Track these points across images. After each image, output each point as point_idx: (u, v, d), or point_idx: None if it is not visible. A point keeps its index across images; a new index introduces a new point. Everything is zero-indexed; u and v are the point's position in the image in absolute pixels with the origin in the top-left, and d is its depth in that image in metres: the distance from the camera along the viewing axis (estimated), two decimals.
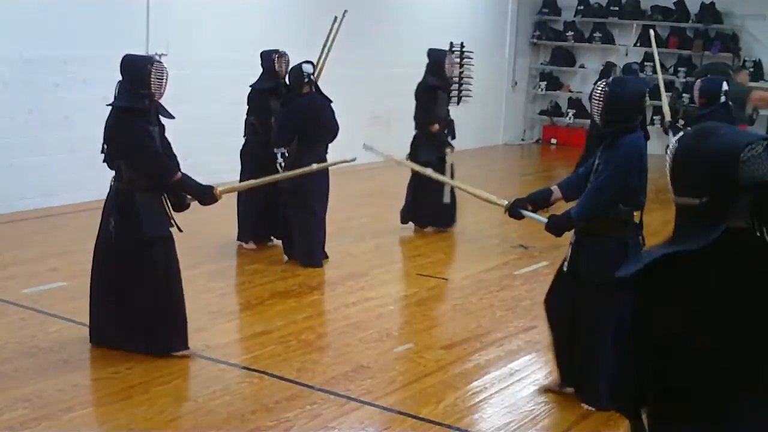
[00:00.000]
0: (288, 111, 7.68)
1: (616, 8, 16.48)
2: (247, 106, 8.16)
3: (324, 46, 8.39)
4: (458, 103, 14.96)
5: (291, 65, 7.84)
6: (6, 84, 8.75)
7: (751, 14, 15.31)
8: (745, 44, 15.46)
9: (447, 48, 14.83)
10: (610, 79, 4.98)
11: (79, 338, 5.62)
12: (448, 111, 9.20)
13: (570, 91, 17.05)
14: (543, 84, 17.14)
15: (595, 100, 4.81)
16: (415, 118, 8.98)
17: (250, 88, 8.13)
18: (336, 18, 8.43)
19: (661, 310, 2.36)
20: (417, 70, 13.21)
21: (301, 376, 5.25)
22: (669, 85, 15.95)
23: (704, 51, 15.49)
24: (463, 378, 5.38)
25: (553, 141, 17.23)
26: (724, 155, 2.34)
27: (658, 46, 16.02)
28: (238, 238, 8.14)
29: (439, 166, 8.60)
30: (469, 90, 15.24)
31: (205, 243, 8.02)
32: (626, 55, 16.40)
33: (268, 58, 8.10)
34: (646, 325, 2.37)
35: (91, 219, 9.12)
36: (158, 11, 10.00)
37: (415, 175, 8.66)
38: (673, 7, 15.96)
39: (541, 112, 17.46)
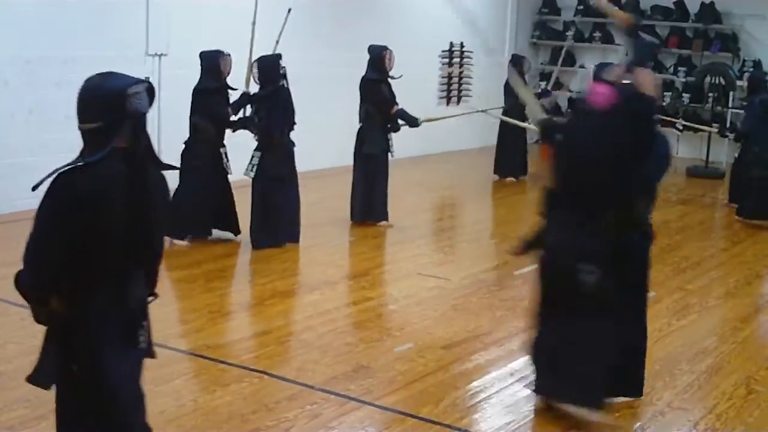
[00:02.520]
0: (279, 102, 8.00)
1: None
2: (192, 107, 8.11)
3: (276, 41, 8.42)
4: (458, 103, 14.97)
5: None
6: (6, 84, 8.75)
7: (751, 14, 15.31)
8: (744, 44, 15.46)
9: (447, 48, 14.89)
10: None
11: None
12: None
13: (570, 91, 17.04)
14: (543, 84, 17.12)
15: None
16: (360, 112, 9.16)
17: (196, 90, 8.09)
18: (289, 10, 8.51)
19: (77, 206, 3.07)
20: (417, 69, 13.19)
21: (301, 375, 5.25)
22: (669, 85, 16.00)
23: (704, 51, 15.49)
24: (463, 378, 5.38)
25: None
26: (115, 91, 3.10)
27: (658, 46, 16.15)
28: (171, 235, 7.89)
29: (383, 158, 9.04)
30: (469, 90, 15.24)
31: (204, 243, 8.02)
32: (626, 54, 16.36)
33: (213, 58, 8.10)
34: (66, 223, 3.10)
35: None
36: (158, 11, 10.00)
37: (363, 170, 9.06)
38: (673, 7, 15.96)
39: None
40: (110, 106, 3.10)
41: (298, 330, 6.15)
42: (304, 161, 8.41)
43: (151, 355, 3.44)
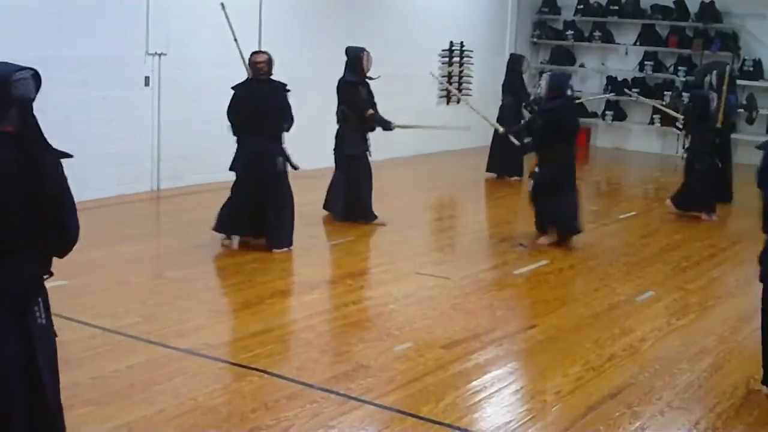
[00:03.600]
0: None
1: (616, 7, 16.49)
2: (279, 107, 7.89)
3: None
4: (458, 102, 14.98)
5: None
6: None
7: (751, 13, 15.32)
8: (744, 43, 15.47)
9: (447, 47, 14.89)
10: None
11: (79, 337, 5.62)
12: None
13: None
14: (543, 83, 17.11)
15: None
16: (337, 113, 9.15)
17: (281, 87, 7.91)
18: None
19: None
20: (418, 70, 13.18)
21: (301, 374, 5.25)
22: (669, 85, 16.01)
23: (704, 50, 15.50)
24: (462, 377, 5.39)
25: None
26: (0, 77, 3.27)
27: (657, 45, 16.17)
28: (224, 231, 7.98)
29: (365, 158, 9.09)
30: (469, 89, 15.25)
31: (205, 242, 8.02)
32: (626, 54, 16.41)
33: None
34: None
35: (91, 218, 9.14)
36: (158, 11, 10.00)
37: (345, 171, 9.07)
38: (673, 6, 15.96)
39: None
40: None
41: (297, 329, 6.15)
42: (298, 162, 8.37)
43: (54, 333, 3.59)
